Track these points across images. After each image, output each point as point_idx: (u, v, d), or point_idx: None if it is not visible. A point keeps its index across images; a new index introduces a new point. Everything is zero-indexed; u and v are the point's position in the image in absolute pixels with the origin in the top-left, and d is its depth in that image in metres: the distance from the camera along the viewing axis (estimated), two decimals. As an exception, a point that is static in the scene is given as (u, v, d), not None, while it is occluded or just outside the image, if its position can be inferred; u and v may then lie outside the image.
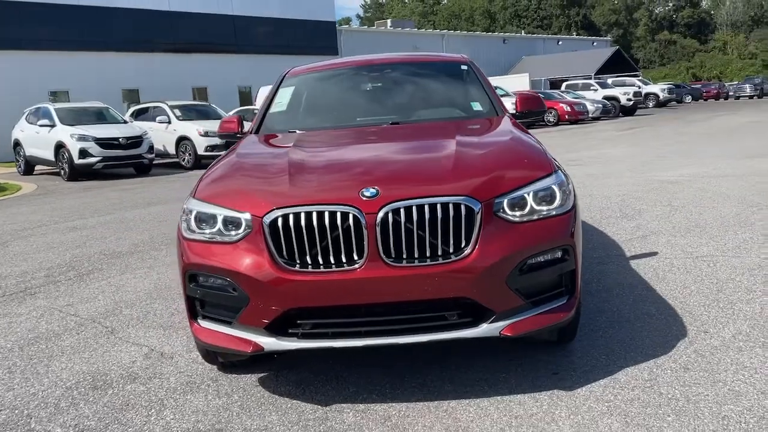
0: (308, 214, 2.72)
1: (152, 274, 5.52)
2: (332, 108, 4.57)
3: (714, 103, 43.77)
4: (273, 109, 4.44)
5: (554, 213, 2.87)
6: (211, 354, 3.28)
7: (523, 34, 61.54)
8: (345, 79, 4.83)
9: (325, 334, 2.80)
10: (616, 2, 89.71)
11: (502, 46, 52.41)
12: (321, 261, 2.72)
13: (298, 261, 2.73)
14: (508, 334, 2.76)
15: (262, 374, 3.30)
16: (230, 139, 4.52)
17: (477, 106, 4.28)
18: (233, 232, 2.86)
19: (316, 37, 34.19)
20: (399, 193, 2.73)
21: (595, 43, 60.92)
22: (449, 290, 2.71)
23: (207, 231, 2.93)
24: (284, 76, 4.74)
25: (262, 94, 19.50)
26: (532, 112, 4.42)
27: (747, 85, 50.41)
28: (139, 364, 3.53)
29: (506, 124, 3.85)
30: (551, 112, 25.24)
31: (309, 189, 2.90)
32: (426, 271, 2.67)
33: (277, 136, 4.06)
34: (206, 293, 2.95)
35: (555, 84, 42.66)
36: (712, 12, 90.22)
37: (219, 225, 2.90)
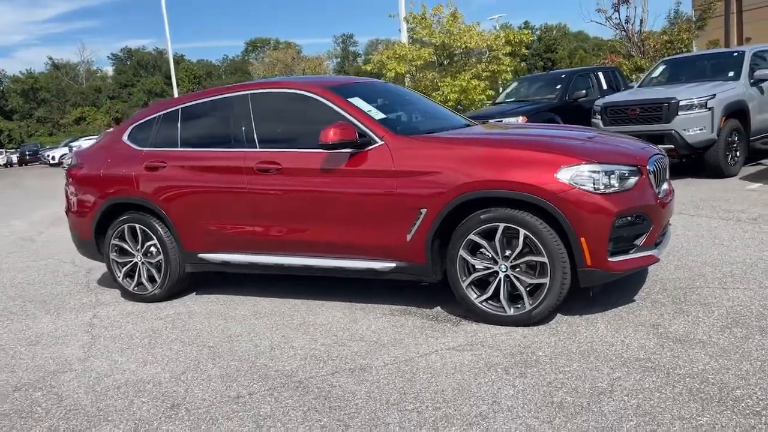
0: (655, 163, 4.11)
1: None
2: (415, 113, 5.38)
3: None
4: (376, 116, 4.46)
5: None
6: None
7: None
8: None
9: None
10: None
11: None
12: (659, 192, 4.09)
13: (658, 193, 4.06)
14: None
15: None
16: (348, 148, 4.23)
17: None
18: (625, 180, 3.78)
19: None
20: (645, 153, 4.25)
21: None
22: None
23: (605, 184, 3.71)
24: (332, 90, 4.61)
25: None
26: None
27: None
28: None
29: None
30: None
31: (632, 149, 4.17)
32: (669, 199, 4.35)
33: (446, 135, 4.50)
34: (625, 229, 3.78)
35: None
36: None
37: (614, 178, 3.76)
